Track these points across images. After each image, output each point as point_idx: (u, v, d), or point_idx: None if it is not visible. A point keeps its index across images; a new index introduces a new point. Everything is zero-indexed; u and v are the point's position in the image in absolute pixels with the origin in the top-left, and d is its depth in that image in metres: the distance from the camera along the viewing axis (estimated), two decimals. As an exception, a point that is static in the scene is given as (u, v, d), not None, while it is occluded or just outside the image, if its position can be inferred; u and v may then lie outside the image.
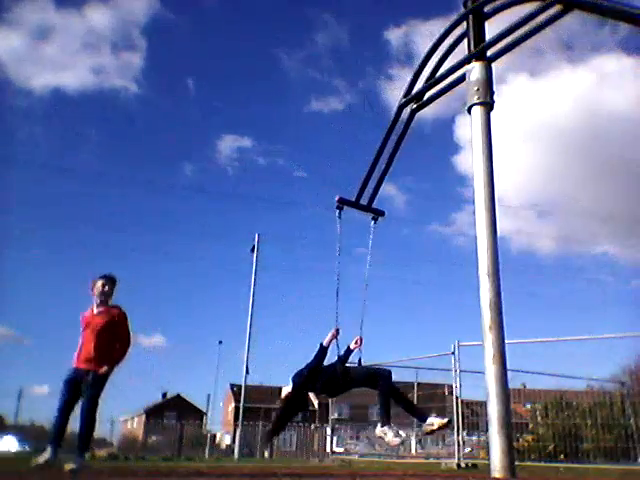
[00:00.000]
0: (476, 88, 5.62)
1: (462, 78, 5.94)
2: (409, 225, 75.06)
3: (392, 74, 78.49)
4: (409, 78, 6.81)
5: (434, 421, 4.69)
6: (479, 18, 5.97)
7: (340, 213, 6.30)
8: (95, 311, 5.46)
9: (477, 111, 5.60)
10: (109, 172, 65.70)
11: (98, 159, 69.52)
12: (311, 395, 49.03)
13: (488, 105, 5.63)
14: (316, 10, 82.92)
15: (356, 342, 5.08)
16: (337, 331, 4.95)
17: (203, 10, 76.34)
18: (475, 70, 5.70)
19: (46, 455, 5.00)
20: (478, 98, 5.59)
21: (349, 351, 5.05)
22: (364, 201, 6.78)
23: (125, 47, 74.54)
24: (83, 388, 5.17)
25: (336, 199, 6.43)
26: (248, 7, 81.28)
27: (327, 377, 4.82)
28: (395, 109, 6.93)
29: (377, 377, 4.77)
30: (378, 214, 6.66)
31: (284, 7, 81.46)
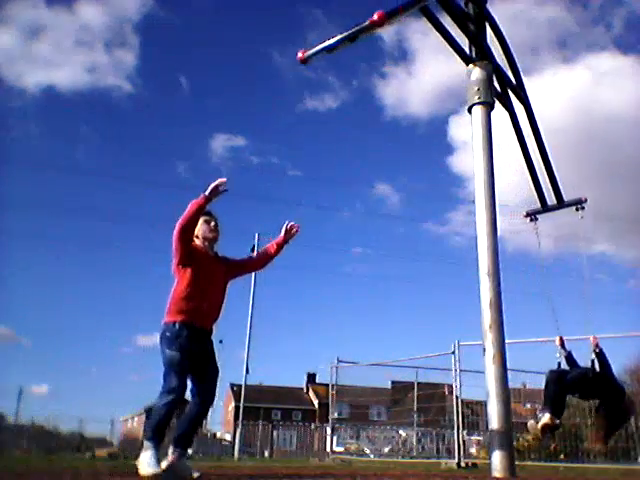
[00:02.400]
0: (477, 88, 5.63)
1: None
2: (405, 224, 75.08)
3: (385, 72, 78.53)
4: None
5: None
6: (480, 18, 5.97)
7: (536, 224, 6.37)
8: (211, 253, 3.85)
9: (477, 111, 5.60)
10: (103, 170, 65.58)
11: (92, 157, 69.41)
12: (311, 395, 48.98)
13: (488, 105, 5.63)
14: (307, 7, 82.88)
15: None
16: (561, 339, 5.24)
17: (195, 8, 76.32)
18: (476, 70, 5.70)
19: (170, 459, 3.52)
20: (479, 98, 5.60)
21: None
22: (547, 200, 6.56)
23: (118, 45, 74.48)
24: (203, 360, 3.63)
25: (523, 215, 6.47)
26: (240, 5, 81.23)
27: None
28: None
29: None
30: (578, 203, 6.34)
31: (275, 4, 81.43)
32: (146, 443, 3.42)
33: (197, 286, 3.64)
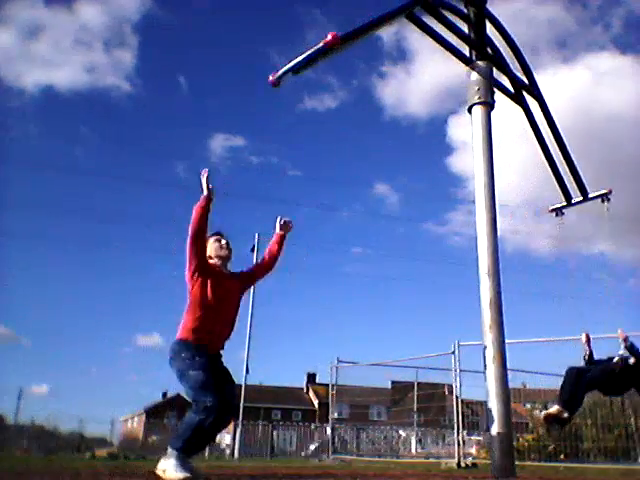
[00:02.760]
0: (477, 88, 5.63)
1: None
2: (405, 224, 75.06)
3: (384, 72, 78.52)
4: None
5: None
6: (479, 18, 5.97)
7: (562, 219, 6.47)
8: (225, 272, 3.84)
9: (477, 111, 5.60)
10: (102, 170, 65.56)
11: (91, 157, 69.37)
12: (311, 395, 48.98)
13: (488, 105, 5.63)
14: (306, 7, 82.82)
15: None
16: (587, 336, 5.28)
17: (194, 8, 76.31)
18: (476, 69, 5.70)
19: None
20: (479, 98, 5.60)
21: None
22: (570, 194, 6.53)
23: (117, 45, 74.46)
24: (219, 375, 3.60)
25: (548, 210, 6.52)
26: (239, 5, 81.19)
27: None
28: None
29: None
30: (604, 195, 6.32)
31: (274, 4, 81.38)
32: (171, 451, 3.31)
33: (213, 307, 3.62)
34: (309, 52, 4.07)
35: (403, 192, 72.48)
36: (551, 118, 6.41)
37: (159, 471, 3.30)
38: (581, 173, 6.51)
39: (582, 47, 79.29)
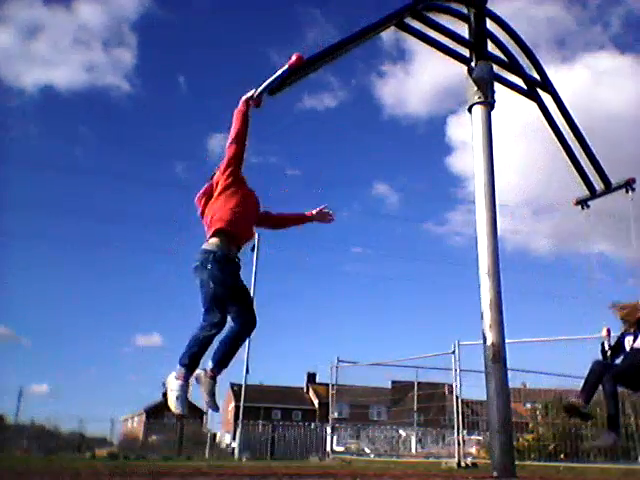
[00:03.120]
0: (477, 87, 5.61)
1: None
2: (404, 223, 75.03)
3: (384, 71, 78.48)
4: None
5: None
6: (480, 18, 5.96)
7: (588, 212, 6.37)
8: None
9: (478, 110, 5.59)
10: (101, 169, 65.55)
11: (90, 157, 69.33)
12: (311, 395, 48.99)
13: (489, 105, 5.62)
14: (305, 7, 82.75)
15: None
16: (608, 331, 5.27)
17: (193, 7, 76.23)
18: (476, 69, 5.69)
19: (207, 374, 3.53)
20: (479, 97, 5.58)
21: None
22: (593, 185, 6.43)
23: (116, 44, 74.34)
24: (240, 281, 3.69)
25: (573, 203, 6.43)
26: (238, 4, 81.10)
27: None
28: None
29: None
30: (628, 185, 6.23)
31: (273, 4, 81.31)
32: (180, 368, 3.42)
33: (244, 204, 3.67)
34: (277, 74, 4.05)
35: (403, 192, 72.52)
36: (567, 111, 6.33)
37: (166, 386, 3.41)
38: (602, 164, 6.40)
39: (581, 46, 79.36)
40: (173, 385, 3.38)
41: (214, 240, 3.56)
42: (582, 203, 6.51)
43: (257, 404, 37.63)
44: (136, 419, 47.90)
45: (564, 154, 6.38)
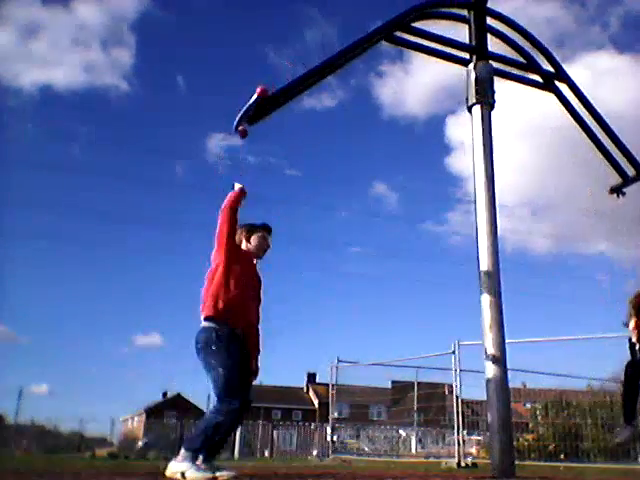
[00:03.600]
0: (477, 87, 5.61)
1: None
2: (404, 223, 75.02)
3: (382, 71, 78.46)
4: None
5: None
6: (481, 16, 5.96)
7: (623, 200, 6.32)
8: (255, 263, 3.75)
9: (478, 110, 5.59)
10: (100, 169, 65.44)
11: (89, 156, 69.28)
12: (311, 394, 49.00)
13: (489, 104, 5.62)
14: (304, 6, 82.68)
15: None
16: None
17: (192, 7, 76.17)
18: (476, 69, 5.69)
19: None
20: (479, 97, 5.58)
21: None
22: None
23: (115, 44, 74.24)
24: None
25: (609, 192, 6.35)
26: (236, 4, 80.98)
27: None
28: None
29: None
30: None
31: (272, 4, 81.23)
32: (187, 452, 3.14)
33: (245, 289, 3.47)
34: (248, 104, 4.04)
35: (402, 191, 72.44)
36: (587, 100, 6.27)
37: (177, 474, 3.09)
38: (631, 149, 6.31)
39: (580, 46, 79.27)
40: (186, 466, 3.08)
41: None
42: (617, 191, 6.41)
43: (257, 404, 37.61)
44: (136, 419, 47.91)
45: (591, 143, 6.27)
